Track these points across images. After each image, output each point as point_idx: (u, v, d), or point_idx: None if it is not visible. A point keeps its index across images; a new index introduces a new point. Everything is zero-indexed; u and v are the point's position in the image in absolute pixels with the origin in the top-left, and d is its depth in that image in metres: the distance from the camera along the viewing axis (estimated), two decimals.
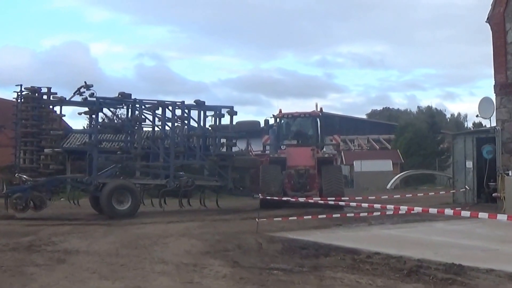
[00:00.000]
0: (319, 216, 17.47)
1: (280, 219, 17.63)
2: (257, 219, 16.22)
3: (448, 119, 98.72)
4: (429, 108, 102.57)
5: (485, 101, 25.24)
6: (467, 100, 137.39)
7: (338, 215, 17.76)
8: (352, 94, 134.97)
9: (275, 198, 19.04)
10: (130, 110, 22.93)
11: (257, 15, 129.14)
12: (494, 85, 22.32)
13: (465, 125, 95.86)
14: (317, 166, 25.90)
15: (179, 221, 18.92)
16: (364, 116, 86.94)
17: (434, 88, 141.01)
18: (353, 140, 61.03)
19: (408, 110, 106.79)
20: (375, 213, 16.84)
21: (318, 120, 27.95)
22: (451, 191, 25.28)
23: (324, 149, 28.27)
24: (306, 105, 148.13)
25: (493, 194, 22.22)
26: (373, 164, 49.22)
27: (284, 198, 19.79)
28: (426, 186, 48.76)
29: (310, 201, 19.51)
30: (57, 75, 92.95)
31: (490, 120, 25.24)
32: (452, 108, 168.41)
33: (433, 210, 12.43)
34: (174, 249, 12.78)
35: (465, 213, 12.29)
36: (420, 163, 51.79)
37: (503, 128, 22.07)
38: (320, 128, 28.01)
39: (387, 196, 22.48)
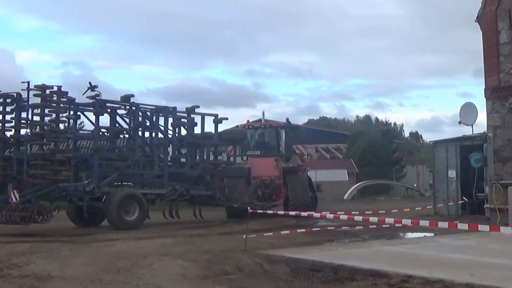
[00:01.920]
0: (313, 229, 15.94)
1: (269, 234, 16.02)
2: (245, 236, 14.56)
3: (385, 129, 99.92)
4: (366, 117, 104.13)
5: (466, 107, 24.36)
6: (396, 110, 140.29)
7: (333, 228, 16.30)
8: (282, 104, 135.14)
9: (269, 211, 17.50)
10: (132, 113, 21.62)
11: (187, 24, 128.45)
12: (485, 89, 21.19)
13: (403, 135, 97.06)
14: (282, 176, 26.13)
15: (149, 237, 17.03)
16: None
17: (364, 98, 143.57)
18: None
19: (346, 119, 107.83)
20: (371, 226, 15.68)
21: (283, 130, 27.97)
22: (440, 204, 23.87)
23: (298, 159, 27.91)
24: (235, 115, 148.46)
25: (484, 206, 21.13)
26: (329, 174, 48.11)
27: (271, 212, 18.29)
28: (383, 196, 48.14)
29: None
30: None
31: (472, 127, 24.28)
32: (381, 118, 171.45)
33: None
34: (164, 272, 10.99)
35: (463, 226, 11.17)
36: (376, 172, 51.02)
37: (495, 135, 20.95)
38: (286, 138, 27.95)
39: (373, 212, 21.10)
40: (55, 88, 19.23)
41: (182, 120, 23.20)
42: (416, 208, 21.89)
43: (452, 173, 23.54)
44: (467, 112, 24.10)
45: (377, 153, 52.72)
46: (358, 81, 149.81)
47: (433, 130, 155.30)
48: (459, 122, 24.12)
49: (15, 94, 20.05)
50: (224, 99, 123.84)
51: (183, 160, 23.36)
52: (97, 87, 20.44)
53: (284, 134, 27.79)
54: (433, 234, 17.42)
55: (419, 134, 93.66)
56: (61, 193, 19.65)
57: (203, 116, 23.92)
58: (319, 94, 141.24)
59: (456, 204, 22.85)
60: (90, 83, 20.54)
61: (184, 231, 18.76)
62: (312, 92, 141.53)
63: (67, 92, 19.79)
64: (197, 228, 19.79)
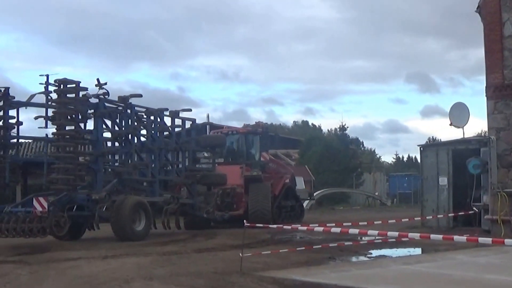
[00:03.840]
0: (314, 247, 14.28)
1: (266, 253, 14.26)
2: (241, 254, 12.76)
3: (324, 134, 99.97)
4: (304, 122, 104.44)
5: (457, 107, 23.18)
6: (328, 116, 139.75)
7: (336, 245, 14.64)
8: (209, 108, 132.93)
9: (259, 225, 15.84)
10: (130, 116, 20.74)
11: (109, 24, 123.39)
12: (486, 87, 19.95)
13: None
14: (245, 185, 26.09)
15: (117, 256, 14.94)
16: None
17: (294, 103, 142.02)
18: None
19: (282, 124, 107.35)
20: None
21: (257, 137, 27.95)
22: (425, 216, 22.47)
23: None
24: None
25: (484, 217, 19.85)
26: None
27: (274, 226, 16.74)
28: (342, 206, 47.04)
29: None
30: None
31: (463, 130, 23.12)
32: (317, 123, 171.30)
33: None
34: None
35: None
36: (333, 180, 49.81)
37: (498, 138, 19.66)
38: (260, 145, 28.08)
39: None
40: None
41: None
42: (389, 221, 20.27)
43: (443, 180, 22.30)
44: (458, 113, 22.97)
45: (335, 159, 51.53)
46: (288, 85, 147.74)
47: (366, 137, 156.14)
48: (450, 124, 22.93)
49: (2, 89, 18.56)
50: (147, 103, 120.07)
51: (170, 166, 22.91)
52: (106, 84, 19.39)
53: (257, 141, 27.76)
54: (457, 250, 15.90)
55: (361, 140, 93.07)
56: (71, 201, 18.23)
57: (184, 120, 23.21)
58: (248, 99, 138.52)
59: (447, 216, 21.47)
60: (98, 79, 19.43)
61: (154, 248, 16.79)
62: (242, 97, 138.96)
63: (86, 88, 18.96)
64: (167, 244, 17.81)
